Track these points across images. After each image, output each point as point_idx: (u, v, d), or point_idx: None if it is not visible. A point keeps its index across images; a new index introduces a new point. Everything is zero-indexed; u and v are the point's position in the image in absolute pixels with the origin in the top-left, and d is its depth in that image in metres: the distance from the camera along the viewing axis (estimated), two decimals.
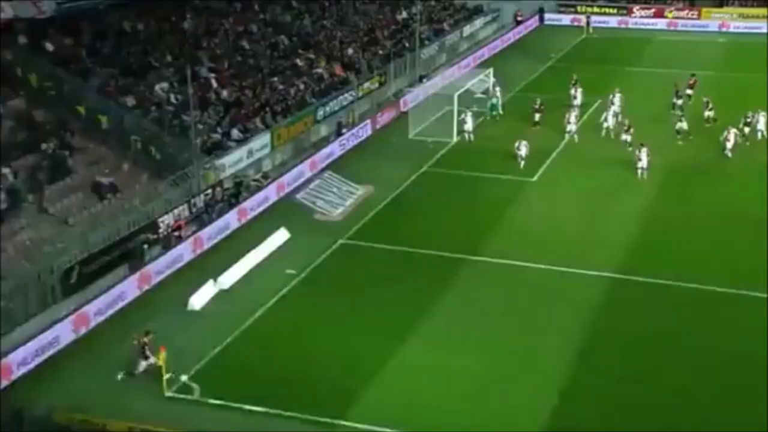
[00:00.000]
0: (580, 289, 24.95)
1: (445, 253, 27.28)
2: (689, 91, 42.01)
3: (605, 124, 36.53)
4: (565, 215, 30.04)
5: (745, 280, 24.94)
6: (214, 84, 36.74)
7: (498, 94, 41.52)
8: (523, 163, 33.53)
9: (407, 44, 48.64)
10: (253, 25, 44.58)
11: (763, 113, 36.24)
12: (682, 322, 23.17)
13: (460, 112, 37.97)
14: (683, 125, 36.38)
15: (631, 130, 35.43)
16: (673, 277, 25.22)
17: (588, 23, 60.30)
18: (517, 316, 23.59)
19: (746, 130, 35.85)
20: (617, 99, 38.65)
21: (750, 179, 32.71)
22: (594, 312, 23.63)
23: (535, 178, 33.36)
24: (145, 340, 21.18)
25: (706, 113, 38.00)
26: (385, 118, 40.87)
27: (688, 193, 31.66)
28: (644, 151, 32.56)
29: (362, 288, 25.32)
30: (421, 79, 46.67)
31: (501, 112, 40.84)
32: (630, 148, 34.56)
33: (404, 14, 53.72)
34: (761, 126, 36.10)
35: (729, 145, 34.55)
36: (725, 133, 34.76)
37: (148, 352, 21.04)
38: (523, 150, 33.87)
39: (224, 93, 36.40)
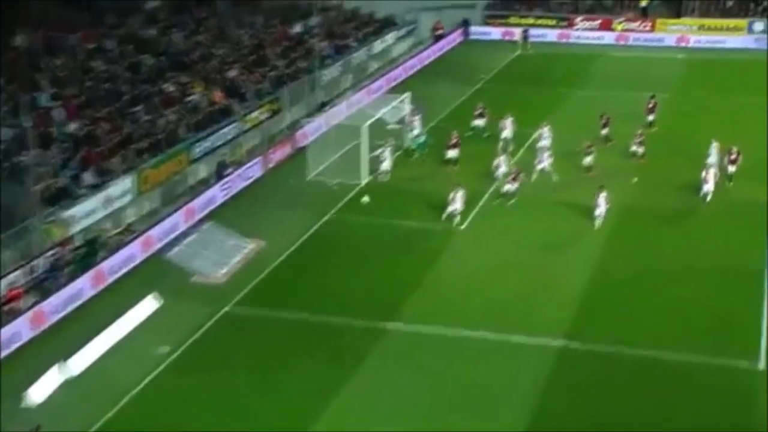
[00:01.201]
0: (518, 359, 25.66)
1: (357, 320, 27.63)
2: (650, 117, 44.07)
3: (539, 166, 37.84)
4: (500, 271, 30.89)
5: (717, 345, 26.20)
6: (59, 115, 36.46)
7: (417, 124, 42.56)
8: (457, 219, 34.13)
9: (304, 64, 49.43)
10: (108, 41, 44.60)
11: (735, 148, 37.30)
12: (638, 398, 24.02)
13: (373, 147, 38.70)
14: (590, 160, 38.01)
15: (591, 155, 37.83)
16: (627, 343, 26.21)
17: (526, 38, 62.64)
18: (445, 397, 24.03)
19: (731, 169, 36.97)
20: (546, 134, 40.03)
21: (720, 223, 34.38)
22: (534, 386, 24.32)
23: (463, 227, 34.23)
24: None
25: (634, 147, 39.53)
26: (278, 155, 41.25)
27: (647, 242, 33.00)
28: (603, 195, 33.74)
29: (254, 368, 25.35)
30: (321, 106, 47.35)
31: (416, 147, 41.64)
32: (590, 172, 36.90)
33: (299, 27, 54.61)
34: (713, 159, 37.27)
35: (707, 187, 35.61)
36: (703, 173, 35.95)
37: None
38: (458, 203, 34.14)
39: (72, 126, 36.17)
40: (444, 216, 33.99)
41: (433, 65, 58.72)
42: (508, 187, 35.86)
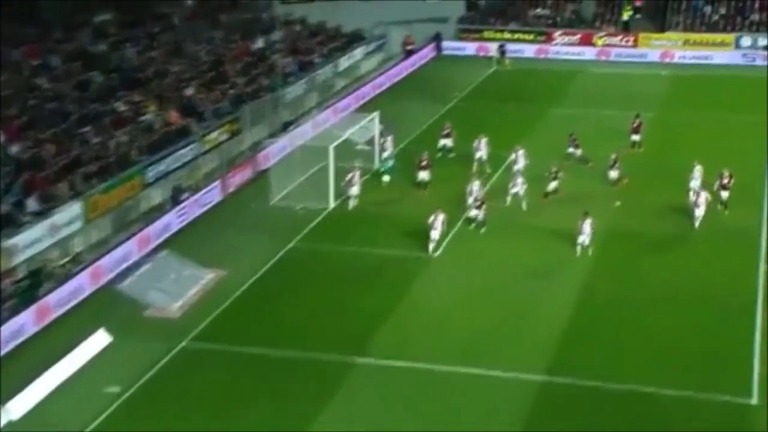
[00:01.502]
0: (496, 395, 25.65)
1: (323, 354, 27.52)
2: (635, 137, 44.51)
3: (513, 190, 38.04)
4: (477, 301, 30.93)
5: (706, 379, 26.29)
6: None
7: (389, 146, 42.67)
8: (432, 245, 34.12)
9: (266, 81, 49.46)
10: (54, 56, 44.39)
11: (727, 171, 37.17)
12: None
13: (340, 170, 38.77)
14: (554, 185, 38.38)
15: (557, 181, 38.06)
16: (612, 378, 26.25)
17: (503, 53, 63.16)
18: None
19: (724, 194, 36.97)
20: (521, 158, 40.27)
21: (710, 250, 34.62)
22: (514, 424, 24.26)
23: (437, 254, 34.28)
24: None
25: (611, 172, 39.74)
26: (238, 178, 41.19)
27: (633, 270, 33.17)
28: (588, 222, 33.82)
29: (212, 408, 25.12)
30: (285, 127, 47.40)
31: (384, 171, 41.80)
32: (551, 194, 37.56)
33: (260, 42, 54.74)
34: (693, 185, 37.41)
35: (699, 212, 35.83)
36: (694, 197, 36.20)
37: None
38: (437, 229, 34.09)
39: (14, 149, 35.91)
40: (431, 245, 33.90)
41: (403, 82, 59.06)
42: (475, 212, 36.02)
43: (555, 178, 38.53)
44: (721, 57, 63.15)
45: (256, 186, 40.72)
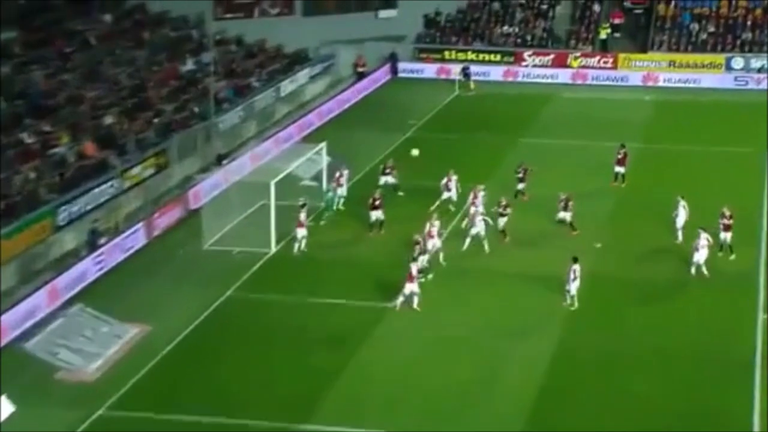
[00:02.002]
0: None
1: (262, 422, 27.26)
2: (620, 169, 44.96)
3: (473, 231, 38.26)
4: (439, 357, 30.83)
5: None
6: None
7: (344, 181, 42.67)
8: (400, 301, 33.78)
9: (197, 109, 49.33)
10: None
11: (728, 211, 37.24)
12: None
13: (284, 208, 38.60)
14: (503, 221, 38.65)
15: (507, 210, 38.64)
16: None
17: (467, 75, 63.73)
18: None
19: (727, 237, 37.01)
20: (481, 198, 40.39)
21: (703, 299, 34.78)
22: None
23: (394, 304, 34.21)
24: None
25: (561, 213, 39.72)
26: (166, 219, 41.00)
27: (615, 321, 33.30)
28: (574, 268, 33.61)
29: None
30: (219, 160, 47.32)
31: (340, 207, 42.00)
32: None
33: (190, 64, 54.70)
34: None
35: (700, 257, 35.66)
36: (696, 240, 35.82)
37: None
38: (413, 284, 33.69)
39: None
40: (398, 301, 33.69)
41: (354, 109, 59.40)
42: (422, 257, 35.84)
43: (503, 215, 38.73)
44: (710, 80, 64.27)
45: (186, 228, 40.59)
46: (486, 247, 37.95)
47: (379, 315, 33.55)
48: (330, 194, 42.13)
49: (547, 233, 39.31)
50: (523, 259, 37.18)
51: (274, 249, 38.43)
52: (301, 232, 38.28)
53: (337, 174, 42.75)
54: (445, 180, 42.01)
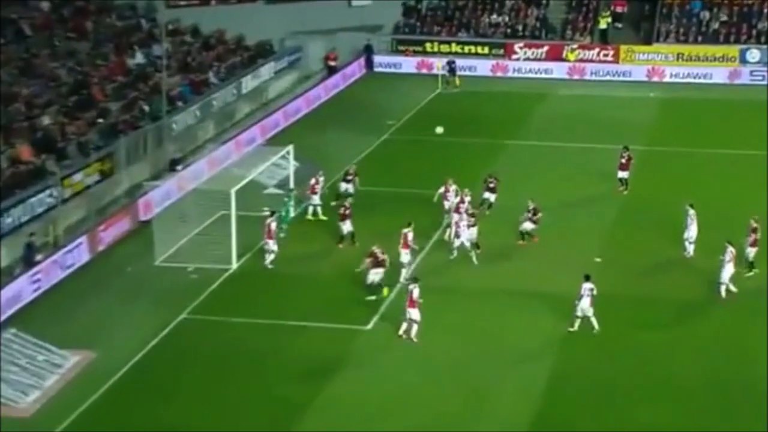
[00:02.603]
0: None
1: None
2: (623, 174, 45.37)
3: (457, 242, 38.60)
4: (420, 386, 30.90)
5: None
6: None
7: (319, 188, 42.82)
8: (404, 328, 33.61)
9: (147, 108, 49.37)
10: None
11: (755, 223, 37.47)
12: None
13: (247, 219, 38.73)
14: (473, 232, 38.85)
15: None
16: None
17: (452, 70, 63.87)
18: None
19: (751, 252, 37.20)
20: (465, 204, 40.63)
21: (713, 321, 34.99)
22: None
23: (369, 327, 34.41)
24: None
25: (526, 224, 39.98)
26: (112, 232, 41.05)
27: (615, 346, 33.36)
28: (587, 287, 33.29)
29: None
30: (173, 165, 47.36)
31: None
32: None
33: (139, 57, 54.64)
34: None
35: (726, 274, 35.58)
36: (723, 255, 35.57)
37: None
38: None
39: None
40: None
41: (325, 108, 59.54)
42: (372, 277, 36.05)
43: (472, 225, 38.92)
44: (723, 75, 64.76)
45: (136, 242, 40.65)
46: (474, 258, 38.21)
47: (352, 338, 33.71)
48: (289, 202, 42.05)
49: (541, 246, 39.61)
50: (514, 271, 37.42)
51: (235, 265, 38.52)
52: (272, 245, 38.24)
53: (313, 181, 42.88)
54: (442, 189, 42.05)
